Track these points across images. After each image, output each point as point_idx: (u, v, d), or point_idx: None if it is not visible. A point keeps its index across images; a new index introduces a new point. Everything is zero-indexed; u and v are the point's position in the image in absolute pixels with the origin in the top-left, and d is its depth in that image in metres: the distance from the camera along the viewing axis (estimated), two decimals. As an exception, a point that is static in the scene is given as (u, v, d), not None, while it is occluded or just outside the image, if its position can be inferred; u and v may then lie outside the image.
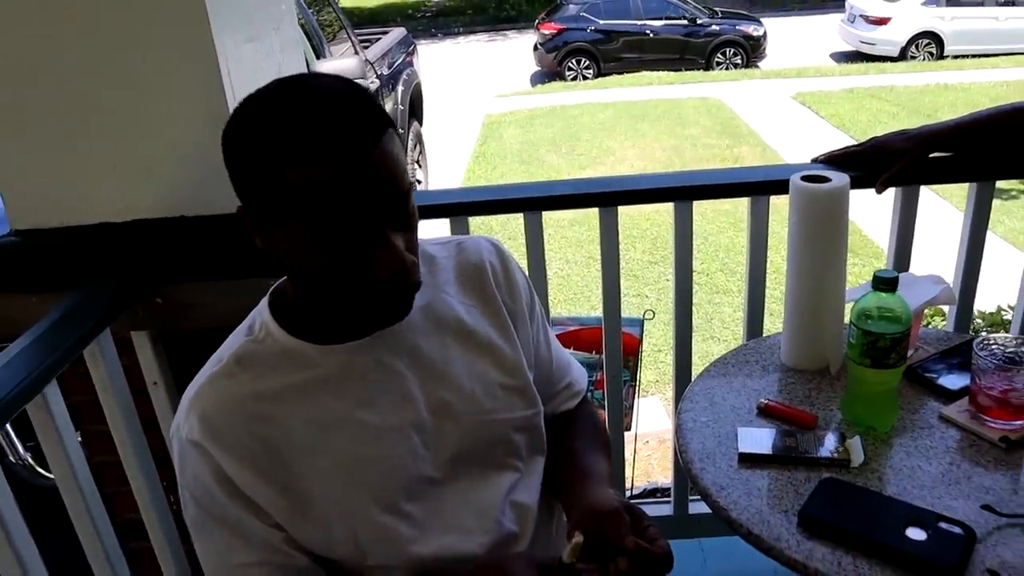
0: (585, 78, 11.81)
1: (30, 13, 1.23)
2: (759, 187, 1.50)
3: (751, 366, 1.31)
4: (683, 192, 1.50)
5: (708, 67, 11.59)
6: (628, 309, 1.65)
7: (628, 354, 1.84)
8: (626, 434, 1.89)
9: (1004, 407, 1.08)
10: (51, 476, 1.23)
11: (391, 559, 0.90)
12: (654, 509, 1.92)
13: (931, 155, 1.44)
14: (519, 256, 1.24)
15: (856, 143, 1.52)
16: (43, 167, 1.32)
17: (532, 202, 1.53)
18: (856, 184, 1.46)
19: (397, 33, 6.95)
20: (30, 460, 2.52)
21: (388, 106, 5.75)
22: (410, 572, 0.90)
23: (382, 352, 0.91)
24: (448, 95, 10.73)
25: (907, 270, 1.58)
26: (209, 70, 1.24)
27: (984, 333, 1.12)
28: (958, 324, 1.63)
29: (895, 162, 1.43)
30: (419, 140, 6.59)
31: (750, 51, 11.64)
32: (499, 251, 1.04)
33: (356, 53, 5.42)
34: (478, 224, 4.42)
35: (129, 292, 1.32)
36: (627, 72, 11.38)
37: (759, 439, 1.11)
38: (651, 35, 11.82)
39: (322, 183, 0.76)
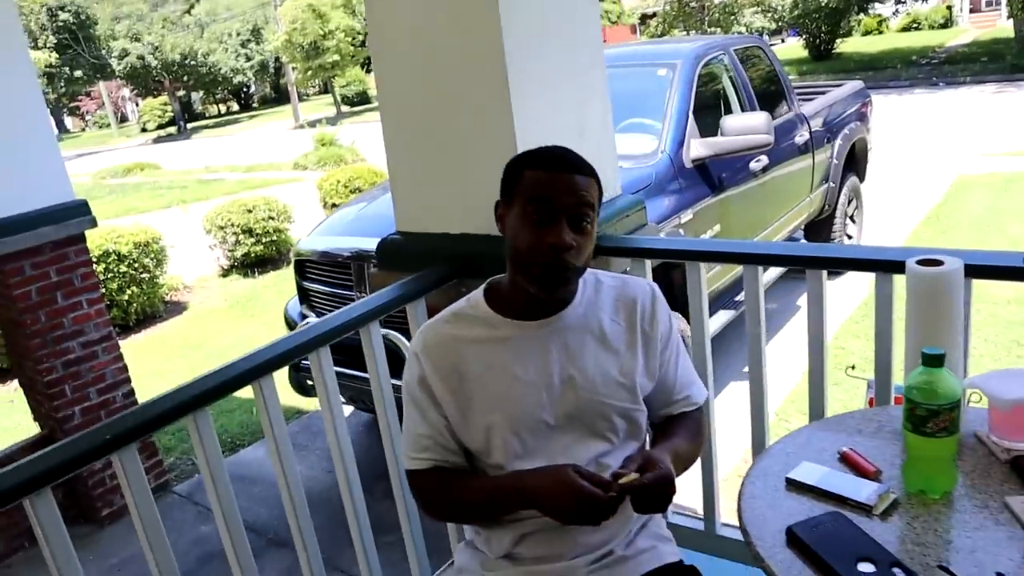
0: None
1: (422, 96, 2.01)
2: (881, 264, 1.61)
3: (870, 423, 1.45)
4: (814, 261, 1.69)
5: None
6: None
7: None
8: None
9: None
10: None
11: (502, 463, 1.38)
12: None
13: None
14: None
15: None
16: (416, 194, 2.11)
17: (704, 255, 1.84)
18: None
19: (850, 87, 6.89)
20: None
21: (821, 157, 5.84)
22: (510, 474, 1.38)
23: (541, 333, 1.41)
24: (925, 151, 10.01)
25: None
26: (506, 134, 1.87)
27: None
28: None
29: None
30: (856, 195, 6.49)
31: None
32: (654, 294, 1.49)
33: (789, 109, 5.67)
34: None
35: (445, 277, 2.01)
36: None
37: (813, 473, 1.31)
38: None
39: (537, 178, 1.33)
